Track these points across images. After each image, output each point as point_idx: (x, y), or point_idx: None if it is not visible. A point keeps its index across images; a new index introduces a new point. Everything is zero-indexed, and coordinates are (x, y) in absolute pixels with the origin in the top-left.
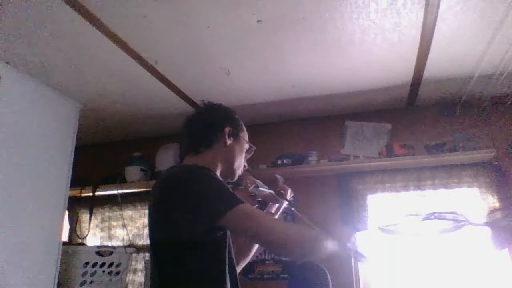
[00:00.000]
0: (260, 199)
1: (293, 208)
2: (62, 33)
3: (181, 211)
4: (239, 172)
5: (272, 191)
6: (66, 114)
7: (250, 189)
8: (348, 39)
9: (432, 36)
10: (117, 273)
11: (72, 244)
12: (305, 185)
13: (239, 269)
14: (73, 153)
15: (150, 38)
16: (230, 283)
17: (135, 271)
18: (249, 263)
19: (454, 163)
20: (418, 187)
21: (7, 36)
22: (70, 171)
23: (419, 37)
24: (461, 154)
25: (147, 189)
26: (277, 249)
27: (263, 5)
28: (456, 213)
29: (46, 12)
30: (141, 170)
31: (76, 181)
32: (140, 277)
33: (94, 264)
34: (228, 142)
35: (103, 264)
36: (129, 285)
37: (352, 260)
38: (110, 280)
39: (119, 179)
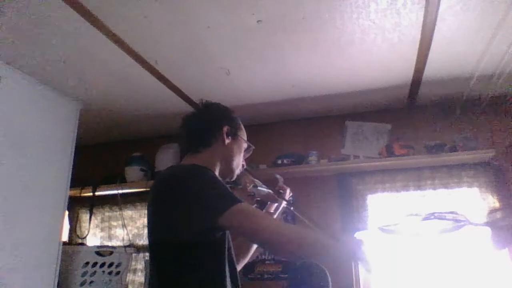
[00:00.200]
0: (258, 198)
1: (291, 208)
2: (62, 33)
3: (180, 211)
4: (237, 171)
5: (270, 191)
6: (66, 114)
7: (249, 188)
8: (348, 39)
9: (432, 36)
10: (117, 273)
11: (72, 244)
12: (305, 185)
13: (238, 268)
14: (73, 153)
15: (150, 38)
16: (231, 282)
17: (135, 271)
18: (249, 263)
19: (454, 163)
20: (418, 187)
21: (7, 36)
22: (70, 171)
23: (419, 37)
24: (461, 154)
25: (147, 189)
26: (275, 248)
27: (263, 5)
28: (456, 213)
29: (46, 12)
30: (141, 170)
31: (76, 181)
32: (140, 277)
33: (94, 264)
34: (227, 141)
35: (103, 264)
36: (129, 285)
37: (353, 264)
38: (110, 280)
39: (119, 179)
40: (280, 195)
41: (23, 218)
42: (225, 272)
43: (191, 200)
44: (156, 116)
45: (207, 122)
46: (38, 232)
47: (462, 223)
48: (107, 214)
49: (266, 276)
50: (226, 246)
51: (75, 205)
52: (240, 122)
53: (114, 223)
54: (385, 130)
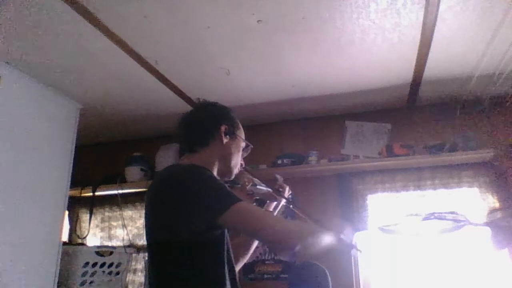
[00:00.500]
0: (257, 197)
1: (291, 206)
2: (62, 33)
3: (179, 211)
4: (236, 170)
5: (269, 189)
6: (66, 114)
7: (247, 187)
8: (348, 39)
9: (432, 36)
10: (117, 273)
11: (72, 244)
12: (305, 185)
13: (237, 268)
14: (73, 153)
15: (150, 38)
16: (230, 282)
17: (135, 271)
18: (249, 263)
19: (454, 163)
20: (418, 187)
21: (7, 36)
22: (70, 171)
23: (419, 37)
24: (461, 154)
25: (147, 189)
26: (277, 245)
27: (263, 5)
28: (456, 213)
29: (46, 12)
30: (141, 170)
31: (76, 181)
32: (140, 277)
33: (94, 264)
34: (225, 140)
35: (103, 264)
36: (129, 285)
37: (352, 260)
38: (110, 280)
39: (119, 179)
40: (279, 193)
41: (23, 218)
42: (224, 271)
43: (191, 200)
44: (156, 116)
45: (204, 121)
46: (38, 232)
47: (462, 223)
48: (107, 214)
49: (266, 276)
50: (225, 246)
51: (75, 205)
52: (238, 121)
53: (114, 223)
54: (385, 130)
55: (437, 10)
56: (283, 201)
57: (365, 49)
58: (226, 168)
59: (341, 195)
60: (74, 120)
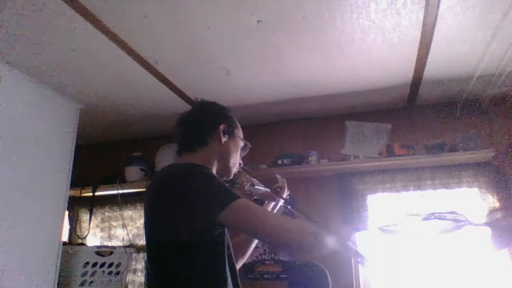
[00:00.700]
0: (256, 197)
1: (289, 206)
2: (62, 33)
3: (179, 210)
4: (234, 170)
5: (268, 190)
6: (66, 114)
7: (246, 187)
8: (348, 39)
9: (432, 36)
10: (117, 273)
11: (72, 244)
12: (305, 185)
13: (237, 267)
14: (73, 153)
15: (150, 38)
16: (232, 282)
17: (135, 271)
18: (249, 263)
19: (454, 163)
20: (418, 187)
21: (7, 36)
22: (70, 171)
23: (419, 37)
24: (461, 154)
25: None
26: (277, 242)
27: (263, 5)
28: (456, 213)
29: (46, 12)
30: (141, 170)
31: (76, 181)
32: (140, 277)
33: (94, 264)
34: (223, 139)
35: (103, 264)
36: (129, 285)
37: (352, 260)
38: (110, 280)
39: (119, 179)
40: (277, 194)
41: (23, 218)
42: (225, 271)
43: (190, 198)
44: (156, 116)
45: (203, 120)
46: (38, 232)
47: (462, 223)
48: (107, 214)
49: (266, 276)
50: (225, 245)
51: (75, 205)
52: (237, 121)
53: (114, 223)
54: (385, 130)
55: (437, 10)
56: (281, 202)
57: (365, 49)
58: (224, 168)
59: (341, 195)
60: (74, 120)
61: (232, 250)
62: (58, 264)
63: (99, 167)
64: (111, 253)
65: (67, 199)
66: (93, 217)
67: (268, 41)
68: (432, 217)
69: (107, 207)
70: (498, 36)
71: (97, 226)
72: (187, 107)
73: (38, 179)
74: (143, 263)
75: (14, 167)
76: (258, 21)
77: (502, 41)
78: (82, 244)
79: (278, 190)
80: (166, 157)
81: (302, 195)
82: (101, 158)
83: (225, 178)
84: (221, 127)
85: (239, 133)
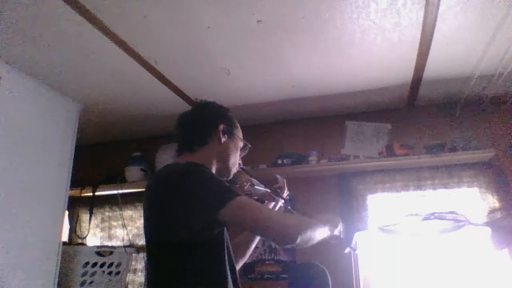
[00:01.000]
0: (256, 197)
1: (289, 207)
2: (62, 33)
3: (178, 210)
4: (234, 170)
5: (267, 190)
6: (66, 114)
7: (245, 187)
8: (348, 39)
9: (432, 36)
10: (117, 273)
11: (72, 244)
12: (305, 185)
13: (237, 268)
14: (73, 153)
15: (149, 38)
16: (232, 282)
17: (135, 271)
18: (249, 263)
19: (454, 163)
20: (418, 187)
21: (7, 36)
22: (70, 171)
23: (419, 37)
24: (461, 154)
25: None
26: (277, 237)
27: (263, 5)
28: (456, 213)
29: (46, 12)
30: (141, 170)
31: (76, 181)
32: (140, 277)
33: (94, 264)
34: (223, 139)
35: (103, 264)
36: (129, 285)
37: (352, 259)
38: (110, 280)
39: (119, 179)
40: (277, 194)
41: (23, 218)
42: (225, 271)
43: (190, 197)
44: (156, 116)
45: (202, 120)
46: (38, 232)
47: (462, 223)
48: (107, 214)
49: (266, 276)
50: (225, 245)
51: (75, 205)
52: (236, 121)
53: (114, 223)
54: (385, 130)
55: (437, 10)
56: (281, 202)
57: (365, 49)
58: (224, 167)
59: (341, 195)
60: (74, 120)
61: (231, 250)
62: (58, 264)
63: (99, 167)
64: (111, 253)
65: (67, 199)
66: (93, 217)
67: (268, 41)
68: (432, 217)
69: (107, 207)
70: (498, 36)
71: (97, 226)
72: (187, 107)
73: (38, 179)
74: (143, 263)
75: (14, 167)
76: (258, 21)
77: (502, 41)
78: (82, 244)
79: (278, 190)
80: (166, 157)
81: (302, 195)
82: (101, 158)
83: (224, 178)
84: (221, 127)
85: (239, 133)
